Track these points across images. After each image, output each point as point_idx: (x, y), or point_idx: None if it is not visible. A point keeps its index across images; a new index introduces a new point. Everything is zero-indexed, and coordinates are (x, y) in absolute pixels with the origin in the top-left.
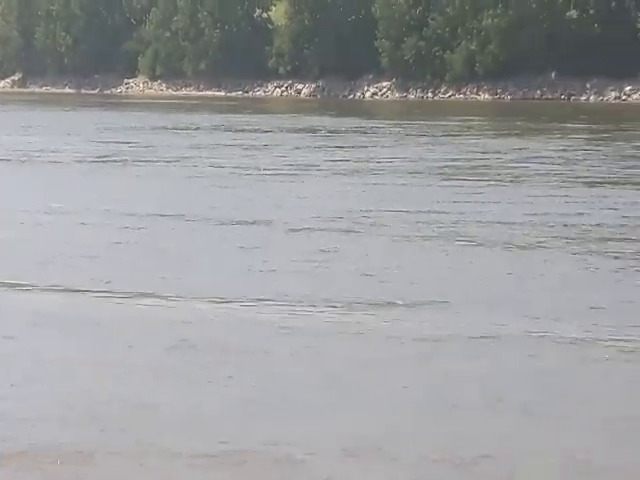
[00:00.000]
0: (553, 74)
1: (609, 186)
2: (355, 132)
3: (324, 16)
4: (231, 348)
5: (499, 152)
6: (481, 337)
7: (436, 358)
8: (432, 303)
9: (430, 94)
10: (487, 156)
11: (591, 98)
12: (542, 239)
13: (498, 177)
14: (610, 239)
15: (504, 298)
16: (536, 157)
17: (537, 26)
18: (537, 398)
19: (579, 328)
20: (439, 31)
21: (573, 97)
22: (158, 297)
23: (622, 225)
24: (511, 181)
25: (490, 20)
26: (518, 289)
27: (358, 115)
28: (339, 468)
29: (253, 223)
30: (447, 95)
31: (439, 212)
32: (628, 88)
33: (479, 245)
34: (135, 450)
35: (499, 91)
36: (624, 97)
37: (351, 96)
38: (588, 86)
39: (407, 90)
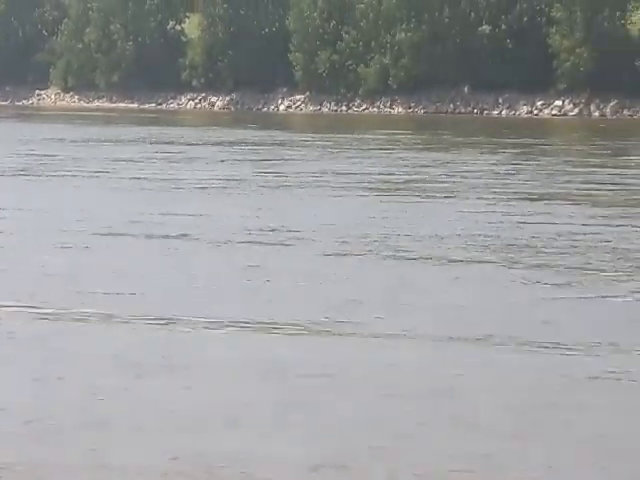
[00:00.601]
0: (466, 88)
1: (544, 201)
2: (280, 145)
3: (238, 29)
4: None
5: (430, 166)
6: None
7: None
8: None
9: (344, 107)
10: (418, 170)
11: (503, 112)
12: (476, 254)
13: (432, 191)
14: (545, 253)
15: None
16: (468, 171)
17: (450, 40)
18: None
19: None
20: (353, 45)
21: (486, 111)
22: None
23: (555, 239)
24: (445, 196)
25: (403, 34)
26: (445, 303)
27: (281, 128)
28: None
29: (179, 237)
30: (361, 109)
31: (372, 226)
32: (540, 103)
33: (412, 260)
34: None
35: (412, 105)
36: (536, 112)
37: (265, 109)
38: (500, 100)
39: (321, 103)
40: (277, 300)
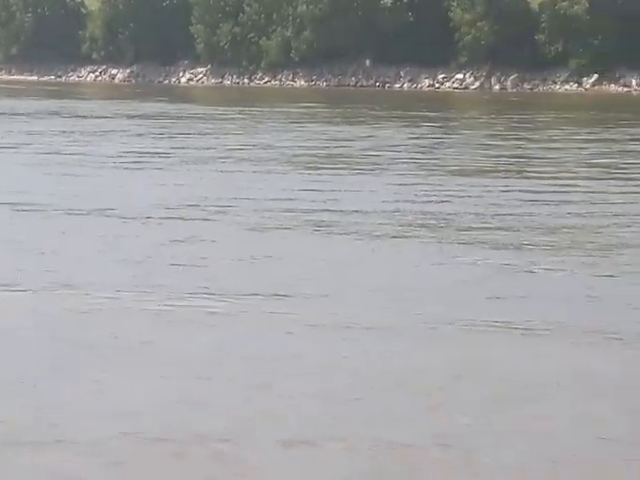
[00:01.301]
0: (368, 62)
1: (470, 174)
2: (198, 119)
3: (139, 1)
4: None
5: (351, 140)
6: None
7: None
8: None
9: (246, 80)
10: (340, 144)
11: (405, 86)
12: (400, 227)
13: (356, 165)
14: (470, 228)
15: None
16: (391, 145)
17: (352, 13)
18: None
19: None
20: (255, 17)
21: (388, 85)
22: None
23: (479, 214)
24: (371, 170)
25: (305, 7)
26: (363, 277)
27: (190, 101)
28: None
29: (102, 212)
30: (263, 81)
31: (296, 200)
32: (441, 76)
33: (339, 234)
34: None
35: (314, 78)
36: (437, 85)
37: (166, 82)
38: (402, 74)
39: (222, 76)
40: (210, 277)
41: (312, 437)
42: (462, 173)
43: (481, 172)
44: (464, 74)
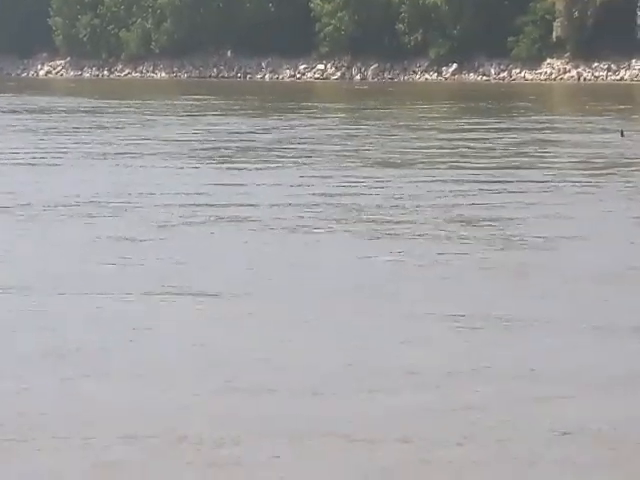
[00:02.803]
0: (229, 52)
1: (386, 166)
2: (91, 112)
3: None
4: None
5: (254, 132)
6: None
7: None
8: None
9: (106, 72)
10: (245, 137)
11: (267, 76)
12: (313, 220)
13: (268, 158)
14: (382, 221)
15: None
16: (297, 137)
17: (212, 4)
18: None
19: None
20: (114, 9)
21: (249, 75)
22: None
23: (397, 207)
24: (282, 162)
25: None
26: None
27: (67, 94)
28: None
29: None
30: (123, 74)
31: (207, 195)
32: (302, 67)
33: (250, 229)
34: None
35: (175, 69)
36: (298, 75)
37: (24, 74)
38: (264, 65)
39: (82, 68)
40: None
41: None
42: (377, 164)
43: (397, 163)
44: (325, 64)
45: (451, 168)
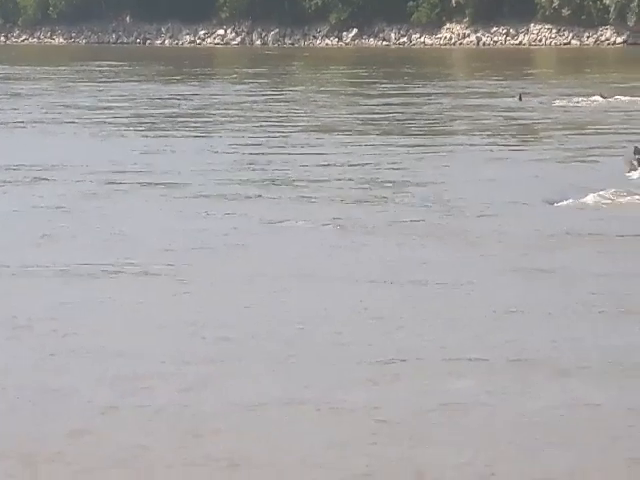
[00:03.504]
0: (128, 18)
1: (317, 132)
2: (3, 79)
3: None
4: None
5: (178, 99)
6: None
7: None
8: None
9: (2, 38)
10: (167, 103)
11: (167, 42)
12: (242, 188)
13: (196, 125)
14: (311, 187)
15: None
16: (226, 103)
17: None
18: None
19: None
20: None
21: (149, 41)
22: None
23: (326, 172)
24: (214, 130)
25: None
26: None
27: None
28: None
29: None
30: (20, 39)
31: (136, 162)
32: (202, 32)
33: (179, 197)
34: None
35: (74, 35)
36: (199, 41)
37: None
38: (163, 30)
39: None
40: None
41: None
42: (307, 130)
43: (327, 129)
44: (225, 30)
45: (384, 134)
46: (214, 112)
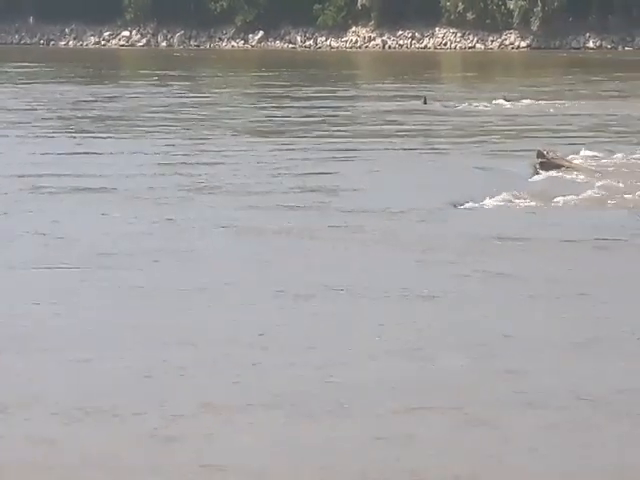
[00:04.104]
0: (31, 19)
1: (248, 134)
2: None
3: None
4: None
5: (100, 100)
6: None
7: None
8: None
9: None
10: (91, 105)
11: (70, 43)
12: (171, 190)
13: (117, 128)
14: (239, 190)
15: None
16: (152, 105)
17: None
18: None
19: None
20: None
21: (52, 42)
22: None
23: (256, 176)
24: (140, 132)
25: None
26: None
27: None
28: None
29: None
30: None
31: (60, 165)
32: (107, 33)
33: (103, 201)
34: None
35: None
36: (103, 42)
37: None
38: (67, 31)
39: None
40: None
41: None
42: (237, 133)
43: (258, 132)
44: (130, 31)
45: (318, 136)
46: (140, 114)
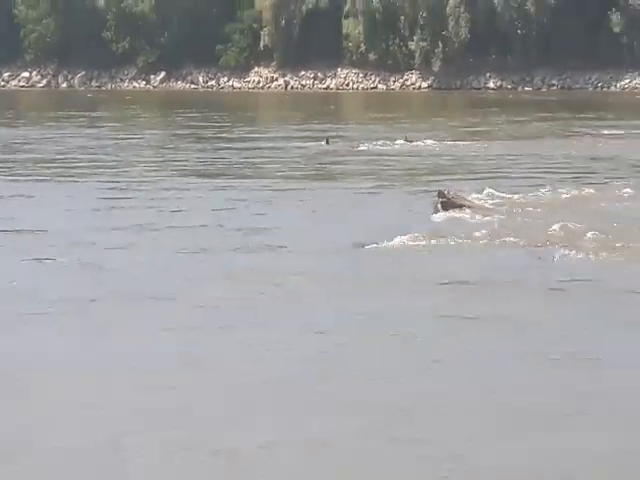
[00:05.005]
0: None
1: (179, 176)
2: None
3: None
4: None
5: (29, 143)
6: None
7: None
8: None
9: None
10: (21, 148)
11: None
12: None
13: (53, 171)
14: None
15: None
16: (85, 147)
17: None
18: None
19: None
20: None
21: None
22: None
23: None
24: (71, 175)
25: None
26: None
27: None
28: None
29: None
30: None
31: None
32: (7, 74)
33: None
34: None
35: None
36: (3, 83)
37: None
38: None
39: None
40: None
41: None
42: (170, 174)
43: (195, 172)
44: (30, 72)
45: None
46: (70, 157)
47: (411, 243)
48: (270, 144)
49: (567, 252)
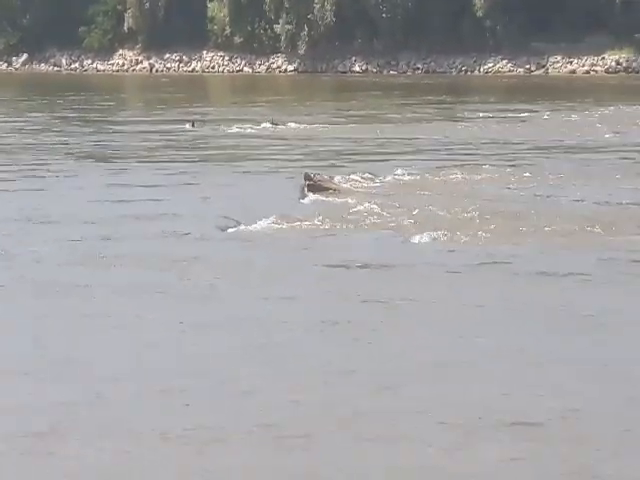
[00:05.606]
0: None
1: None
2: None
3: None
4: None
5: None
6: None
7: None
8: None
9: None
10: None
11: None
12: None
13: None
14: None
15: None
16: None
17: None
18: None
19: None
20: None
21: None
22: None
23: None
24: None
25: None
26: None
27: None
28: None
29: None
30: None
31: None
32: None
33: None
34: None
35: None
36: None
37: None
38: None
39: None
40: None
41: None
42: (81, 159)
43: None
44: None
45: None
46: None
47: (277, 226)
48: (136, 127)
49: (426, 234)
